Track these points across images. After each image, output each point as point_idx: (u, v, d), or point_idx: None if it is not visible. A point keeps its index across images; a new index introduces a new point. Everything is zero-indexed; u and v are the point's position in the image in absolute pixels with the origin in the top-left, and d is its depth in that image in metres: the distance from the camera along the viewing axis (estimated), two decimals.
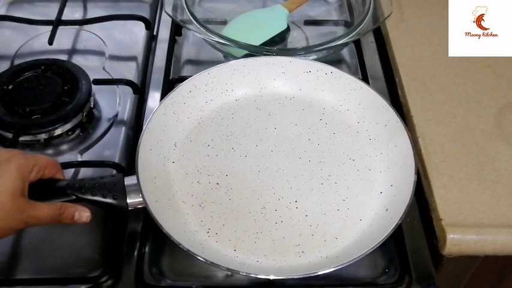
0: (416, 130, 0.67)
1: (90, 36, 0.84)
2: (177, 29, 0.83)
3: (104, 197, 0.54)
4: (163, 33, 0.84)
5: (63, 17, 0.82)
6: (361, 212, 0.59)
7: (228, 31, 0.79)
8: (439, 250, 0.60)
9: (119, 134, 0.71)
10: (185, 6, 0.79)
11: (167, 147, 0.64)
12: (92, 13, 0.87)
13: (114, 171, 0.64)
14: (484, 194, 0.61)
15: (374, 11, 0.79)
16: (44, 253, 0.59)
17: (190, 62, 0.82)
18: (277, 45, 0.80)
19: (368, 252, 0.52)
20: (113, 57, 0.81)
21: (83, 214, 0.53)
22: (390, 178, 0.61)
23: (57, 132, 0.69)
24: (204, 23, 0.77)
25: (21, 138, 0.67)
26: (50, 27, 0.80)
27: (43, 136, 0.69)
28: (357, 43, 0.81)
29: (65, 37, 0.82)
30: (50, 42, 0.78)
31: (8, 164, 0.50)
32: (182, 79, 0.70)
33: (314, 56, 0.76)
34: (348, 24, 0.85)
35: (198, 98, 0.68)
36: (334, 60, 0.80)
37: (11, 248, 0.59)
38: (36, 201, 0.51)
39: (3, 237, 0.50)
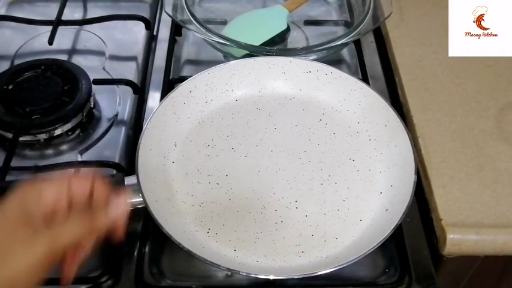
0: (416, 130, 0.67)
1: (90, 36, 0.84)
2: (177, 29, 0.83)
3: None
4: (163, 33, 0.84)
5: (63, 17, 0.82)
6: (361, 212, 0.59)
7: (228, 31, 0.79)
8: (439, 250, 0.60)
9: (119, 134, 0.71)
10: (185, 6, 0.79)
11: (167, 147, 0.64)
12: (92, 13, 0.87)
13: (114, 171, 0.64)
14: (484, 194, 0.61)
15: (374, 11, 0.79)
16: None
17: (190, 62, 0.82)
18: (277, 45, 0.80)
19: (368, 252, 0.52)
20: (113, 57, 0.81)
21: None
22: (390, 178, 0.61)
23: (57, 132, 0.69)
24: (204, 23, 0.77)
25: (21, 138, 0.67)
26: (50, 27, 0.80)
27: (43, 136, 0.68)
28: (357, 43, 0.81)
29: (65, 37, 0.82)
30: (50, 42, 0.78)
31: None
32: (182, 79, 0.70)
33: (314, 56, 0.76)
34: (348, 24, 0.85)
35: (198, 98, 0.68)
36: (334, 60, 0.80)
37: None
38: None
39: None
